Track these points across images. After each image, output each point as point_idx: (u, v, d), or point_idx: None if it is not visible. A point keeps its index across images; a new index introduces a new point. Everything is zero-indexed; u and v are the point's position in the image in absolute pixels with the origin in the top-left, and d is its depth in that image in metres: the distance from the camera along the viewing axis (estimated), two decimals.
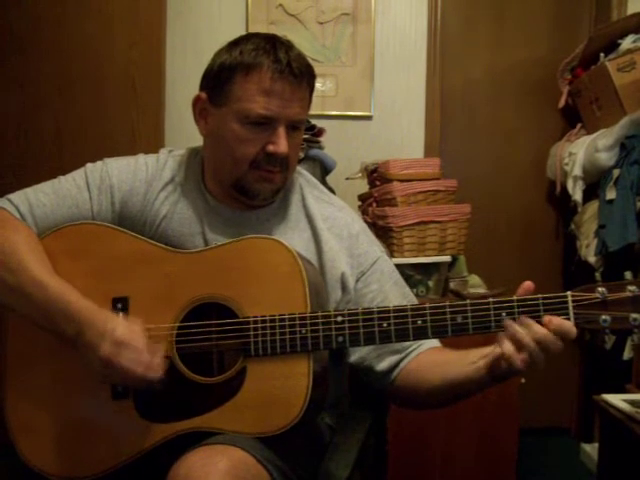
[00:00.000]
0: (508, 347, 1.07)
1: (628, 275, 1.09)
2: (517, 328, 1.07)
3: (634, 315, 1.05)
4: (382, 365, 1.30)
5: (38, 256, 1.23)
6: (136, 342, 1.13)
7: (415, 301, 1.37)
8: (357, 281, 1.33)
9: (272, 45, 1.24)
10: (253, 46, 1.23)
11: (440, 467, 2.30)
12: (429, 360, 1.27)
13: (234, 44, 1.27)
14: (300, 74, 1.24)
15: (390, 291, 1.34)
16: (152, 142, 2.83)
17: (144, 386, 1.14)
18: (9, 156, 2.87)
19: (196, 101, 1.31)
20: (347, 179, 2.80)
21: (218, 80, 1.26)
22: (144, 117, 2.94)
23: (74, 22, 2.91)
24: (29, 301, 1.19)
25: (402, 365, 1.29)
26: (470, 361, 1.17)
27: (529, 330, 1.06)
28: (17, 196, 1.31)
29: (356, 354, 1.32)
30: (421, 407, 1.37)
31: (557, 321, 1.06)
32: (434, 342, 1.31)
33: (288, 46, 1.26)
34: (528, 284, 1.11)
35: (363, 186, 2.77)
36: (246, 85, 1.23)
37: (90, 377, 1.19)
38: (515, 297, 1.10)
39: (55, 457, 1.20)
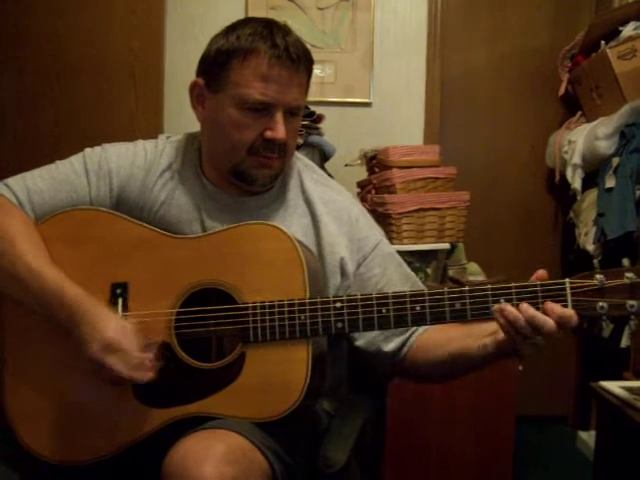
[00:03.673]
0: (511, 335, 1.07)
1: (626, 262, 1.09)
2: (516, 314, 1.06)
3: (631, 302, 1.05)
4: (390, 346, 1.31)
5: (34, 243, 1.23)
6: (125, 343, 1.12)
7: (418, 282, 1.38)
8: (359, 266, 1.33)
9: (269, 30, 1.23)
10: (250, 31, 1.22)
11: (437, 454, 2.31)
12: (436, 337, 1.29)
13: (231, 29, 1.26)
14: (298, 59, 1.23)
15: (393, 274, 1.34)
16: (151, 130, 2.82)
17: (135, 383, 1.14)
18: (7, 144, 2.87)
19: (193, 87, 1.30)
20: (346, 166, 2.80)
21: (215, 65, 1.25)
22: (143, 105, 2.94)
23: (73, 10, 2.90)
24: (24, 288, 1.19)
25: (410, 343, 1.31)
26: (475, 337, 1.17)
27: (526, 314, 1.06)
28: (15, 181, 1.31)
29: (363, 338, 1.32)
30: (430, 381, 1.41)
31: (559, 310, 1.06)
32: None
33: (285, 31, 1.25)
34: (542, 273, 1.11)
35: (362, 173, 2.77)
36: (243, 70, 1.22)
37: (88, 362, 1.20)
38: (513, 283, 1.10)
39: (54, 442, 1.21)
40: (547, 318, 1.06)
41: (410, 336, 1.31)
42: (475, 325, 1.19)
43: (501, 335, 1.11)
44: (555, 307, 1.06)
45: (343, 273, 1.31)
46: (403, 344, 1.31)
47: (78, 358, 1.19)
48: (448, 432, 2.31)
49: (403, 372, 1.35)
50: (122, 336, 1.13)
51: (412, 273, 1.40)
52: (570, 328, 1.07)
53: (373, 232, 1.37)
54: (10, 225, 1.23)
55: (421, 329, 1.31)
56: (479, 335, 1.17)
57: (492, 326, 1.14)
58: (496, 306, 1.08)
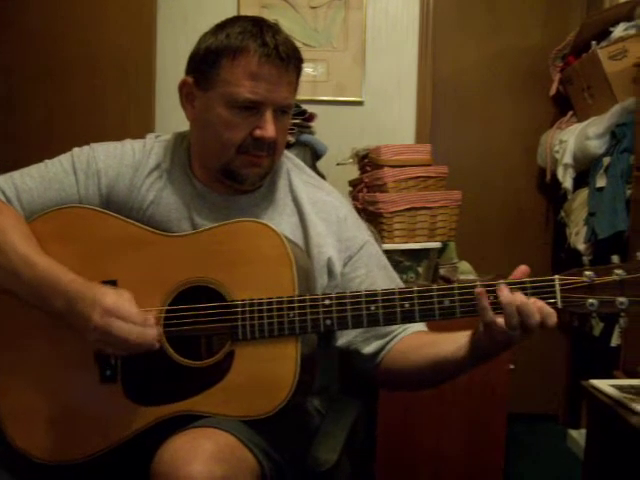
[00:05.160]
0: (489, 313, 1.07)
1: (615, 259, 1.09)
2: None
3: (620, 299, 1.05)
4: (369, 349, 1.31)
5: (25, 235, 1.23)
6: (126, 308, 1.12)
7: (402, 285, 1.38)
8: (344, 265, 1.33)
9: (259, 28, 1.22)
10: (240, 29, 1.22)
11: (429, 453, 2.31)
12: (414, 342, 1.28)
13: (220, 27, 1.25)
14: (287, 58, 1.22)
15: (378, 275, 1.34)
16: (143, 127, 2.82)
17: (142, 352, 1.13)
18: None
19: (182, 85, 1.29)
20: (338, 164, 2.80)
21: (204, 64, 1.24)
22: (135, 102, 2.93)
23: (65, 7, 2.89)
24: (17, 278, 1.19)
25: (388, 348, 1.30)
26: (451, 341, 1.18)
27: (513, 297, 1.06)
28: (3, 180, 1.31)
29: (343, 338, 1.32)
30: (407, 388, 1.39)
31: (540, 303, 1.06)
32: (420, 326, 1.32)
33: (275, 29, 1.24)
34: (524, 268, 1.11)
35: (354, 172, 2.77)
36: (233, 69, 1.21)
37: (78, 360, 1.20)
38: (502, 280, 1.10)
39: (44, 441, 1.20)
40: (530, 304, 1.05)
41: (388, 342, 1.30)
42: (456, 332, 1.19)
43: (475, 335, 1.11)
44: (537, 301, 1.07)
45: (330, 273, 1.31)
46: (381, 349, 1.30)
47: (68, 354, 1.19)
48: (439, 430, 2.32)
49: (381, 377, 1.33)
50: (121, 301, 1.13)
51: (396, 276, 1.40)
52: (548, 325, 1.06)
53: (361, 232, 1.36)
54: (0, 220, 1.23)
55: (399, 337, 1.30)
56: (455, 339, 1.17)
57: (470, 331, 1.15)
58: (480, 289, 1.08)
